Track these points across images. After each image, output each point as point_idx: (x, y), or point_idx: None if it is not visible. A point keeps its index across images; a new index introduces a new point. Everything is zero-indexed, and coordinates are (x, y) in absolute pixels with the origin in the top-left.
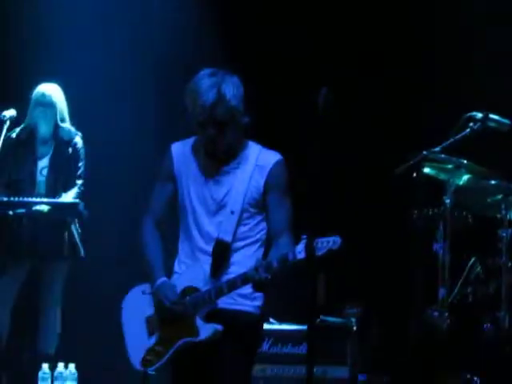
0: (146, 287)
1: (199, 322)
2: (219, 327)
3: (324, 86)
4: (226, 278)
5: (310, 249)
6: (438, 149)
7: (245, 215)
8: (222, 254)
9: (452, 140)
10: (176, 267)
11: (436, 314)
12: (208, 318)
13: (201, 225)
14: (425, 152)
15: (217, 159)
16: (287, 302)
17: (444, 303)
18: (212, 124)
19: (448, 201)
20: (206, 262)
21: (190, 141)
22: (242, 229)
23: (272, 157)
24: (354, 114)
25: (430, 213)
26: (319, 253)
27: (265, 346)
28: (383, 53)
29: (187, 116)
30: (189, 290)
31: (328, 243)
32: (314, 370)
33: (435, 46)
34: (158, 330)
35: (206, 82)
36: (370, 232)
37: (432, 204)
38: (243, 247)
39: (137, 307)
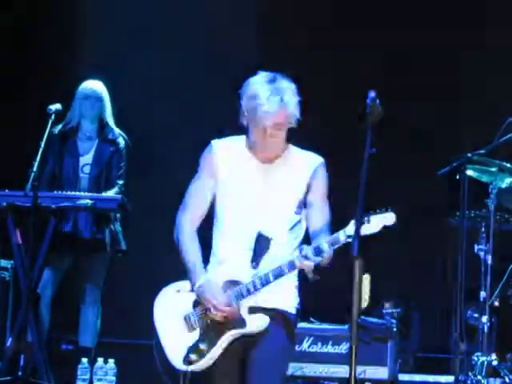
0: (180, 285)
1: (245, 313)
2: (267, 317)
3: (372, 89)
4: (268, 268)
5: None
6: (481, 151)
7: (287, 213)
8: (262, 247)
9: (496, 143)
10: (212, 263)
11: (476, 315)
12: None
13: (243, 222)
14: (469, 154)
15: (262, 159)
16: (328, 302)
17: (484, 305)
18: (273, 130)
19: (491, 203)
20: (245, 256)
21: (233, 139)
22: (284, 226)
23: (315, 159)
24: (400, 115)
25: (473, 215)
26: (374, 231)
27: (304, 345)
28: (426, 54)
29: (242, 118)
30: (230, 284)
31: (381, 221)
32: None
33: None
34: (199, 328)
35: (267, 88)
36: (411, 232)
37: (474, 206)
38: (283, 244)
39: (172, 306)
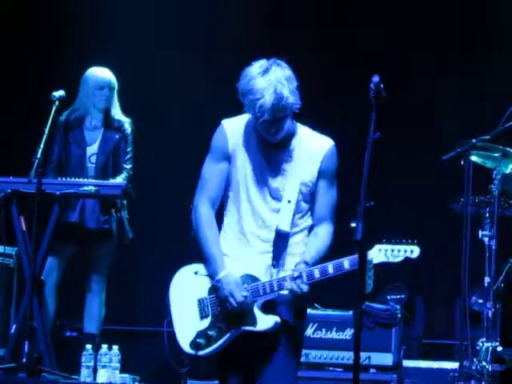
0: (199, 268)
1: (258, 312)
2: (278, 319)
3: (376, 74)
4: (287, 270)
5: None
6: (486, 137)
7: (299, 203)
8: (281, 244)
9: (500, 129)
10: (224, 247)
11: (480, 301)
12: (263, 306)
13: (255, 209)
14: (473, 140)
15: (271, 145)
16: (332, 288)
17: (489, 291)
18: (272, 122)
19: (494, 188)
20: (261, 250)
21: (243, 119)
22: (297, 217)
23: (325, 142)
24: (402, 101)
25: (477, 200)
26: (395, 260)
27: (309, 331)
28: (433, 38)
29: (244, 109)
30: (247, 278)
31: (405, 252)
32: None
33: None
34: (212, 315)
35: (261, 81)
36: (415, 218)
37: (479, 191)
38: (295, 234)
39: (188, 287)
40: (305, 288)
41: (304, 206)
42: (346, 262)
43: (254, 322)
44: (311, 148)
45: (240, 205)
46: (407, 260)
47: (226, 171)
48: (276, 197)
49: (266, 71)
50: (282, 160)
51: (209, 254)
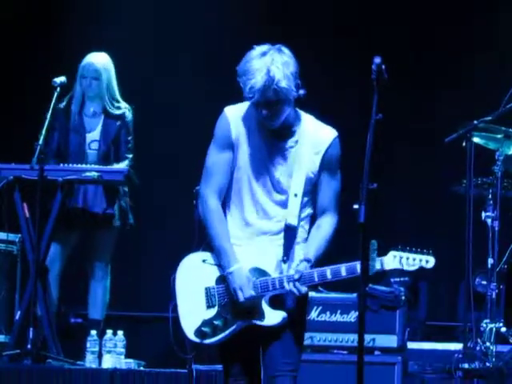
0: (207, 256)
1: (266, 306)
2: (286, 315)
3: (377, 55)
4: (296, 266)
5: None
6: (488, 118)
7: (305, 195)
8: (290, 238)
9: (502, 110)
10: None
11: (484, 282)
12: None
13: (259, 202)
14: (475, 121)
15: (273, 134)
16: None
17: (492, 272)
18: (264, 105)
19: (497, 170)
20: (268, 242)
21: (245, 106)
22: (303, 209)
23: (328, 134)
24: (403, 82)
25: (480, 182)
26: (409, 268)
27: (313, 315)
28: (433, 19)
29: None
30: (256, 272)
31: (420, 261)
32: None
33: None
34: (218, 305)
35: (256, 63)
36: (418, 200)
37: (481, 173)
38: (301, 226)
39: (195, 274)
40: (303, 290)
41: (308, 196)
42: (343, 269)
43: (261, 316)
44: (314, 138)
45: (242, 195)
46: (421, 269)
47: (230, 160)
48: (279, 188)
49: (263, 54)
50: (285, 150)
51: (221, 248)
